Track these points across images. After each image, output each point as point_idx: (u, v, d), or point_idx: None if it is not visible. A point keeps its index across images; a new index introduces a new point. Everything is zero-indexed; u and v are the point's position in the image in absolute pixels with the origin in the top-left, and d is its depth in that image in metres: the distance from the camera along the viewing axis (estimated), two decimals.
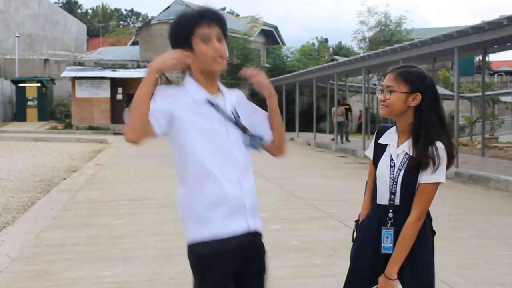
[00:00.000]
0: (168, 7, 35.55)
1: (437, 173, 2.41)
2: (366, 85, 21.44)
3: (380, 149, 2.58)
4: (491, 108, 36.04)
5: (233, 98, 2.31)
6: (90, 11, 72.92)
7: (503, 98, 35.57)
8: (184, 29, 2.19)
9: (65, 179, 11.51)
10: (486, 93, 24.16)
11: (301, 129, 28.42)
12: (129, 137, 2.11)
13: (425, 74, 2.51)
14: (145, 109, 2.09)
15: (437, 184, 2.44)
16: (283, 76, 29.88)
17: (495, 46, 15.20)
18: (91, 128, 30.73)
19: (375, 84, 31.20)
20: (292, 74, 28.44)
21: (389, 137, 2.57)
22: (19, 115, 34.92)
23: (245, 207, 2.21)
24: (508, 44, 14.57)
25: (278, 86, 31.73)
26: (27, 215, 7.58)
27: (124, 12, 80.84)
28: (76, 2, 72.39)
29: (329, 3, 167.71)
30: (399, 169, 2.47)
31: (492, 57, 50.89)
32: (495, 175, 11.04)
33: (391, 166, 2.50)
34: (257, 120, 2.35)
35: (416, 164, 2.43)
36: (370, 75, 26.03)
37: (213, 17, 2.20)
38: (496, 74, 49.23)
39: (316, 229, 6.65)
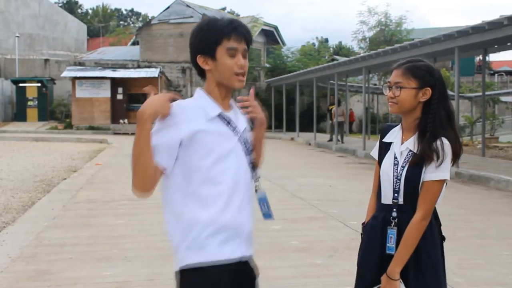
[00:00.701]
0: (168, 7, 35.51)
1: (441, 169, 2.33)
2: (367, 85, 21.44)
3: (384, 148, 2.52)
4: (492, 108, 35.99)
5: (244, 118, 2.21)
6: (90, 11, 72.86)
7: (503, 98, 35.51)
8: (212, 38, 2.05)
9: (65, 179, 11.51)
10: (487, 93, 24.13)
11: (302, 129, 28.44)
12: (137, 192, 2.01)
13: (433, 68, 2.45)
14: (148, 160, 1.96)
15: (441, 182, 2.36)
16: (283, 76, 29.91)
17: (496, 46, 15.20)
18: (91, 128, 30.72)
19: (375, 84, 31.22)
20: (292, 74, 28.45)
21: (393, 135, 2.51)
22: (19, 115, 34.91)
23: (243, 235, 2.11)
24: (508, 44, 14.57)
25: (278, 86, 31.84)
26: (28, 215, 7.58)
27: (124, 12, 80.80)
28: (76, 2, 72.35)
29: (329, 3, 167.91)
30: (403, 166, 2.40)
31: (493, 57, 50.83)
32: (496, 175, 11.04)
33: (394, 164, 2.43)
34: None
35: (420, 159, 2.35)
36: (371, 75, 26.01)
37: (243, 33, 2.08)
38: (496, 74, 49.14)
39: (316, 229, 6.65)
